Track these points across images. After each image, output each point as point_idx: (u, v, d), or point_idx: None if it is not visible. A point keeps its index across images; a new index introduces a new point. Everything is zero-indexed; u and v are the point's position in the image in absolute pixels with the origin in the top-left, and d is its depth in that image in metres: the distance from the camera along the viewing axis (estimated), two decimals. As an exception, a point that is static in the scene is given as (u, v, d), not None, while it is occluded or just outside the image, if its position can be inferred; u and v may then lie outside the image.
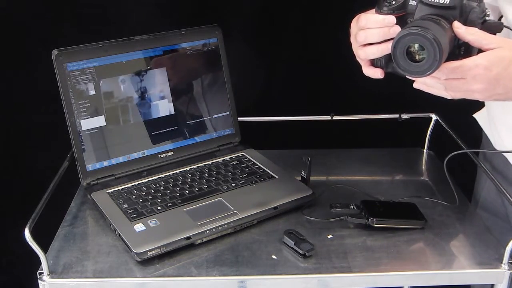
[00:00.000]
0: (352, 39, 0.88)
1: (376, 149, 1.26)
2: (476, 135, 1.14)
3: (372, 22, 0.83)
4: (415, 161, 1.24)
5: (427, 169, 1.21)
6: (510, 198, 0.93)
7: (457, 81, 0.79)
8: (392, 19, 0.82)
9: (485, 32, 0.79)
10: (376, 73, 0.86)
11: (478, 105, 1.12)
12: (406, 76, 0.80)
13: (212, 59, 1.17)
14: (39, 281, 0.84)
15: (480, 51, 0.79)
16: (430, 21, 0.78)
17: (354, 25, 0.87)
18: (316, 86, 1.45)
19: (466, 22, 0.80)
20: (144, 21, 1.35)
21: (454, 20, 0.79)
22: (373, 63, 0.87)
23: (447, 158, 1.02)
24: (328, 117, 1.25)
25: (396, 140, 1.28)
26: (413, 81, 0.83)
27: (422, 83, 0.83)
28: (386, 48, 0.82)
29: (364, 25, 0.83)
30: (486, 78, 0.77)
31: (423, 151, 1.26)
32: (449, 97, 0.82)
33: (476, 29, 0.79)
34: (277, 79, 1.46)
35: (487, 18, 0.81)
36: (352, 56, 0.88)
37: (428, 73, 0.76)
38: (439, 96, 0.89)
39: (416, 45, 0.77)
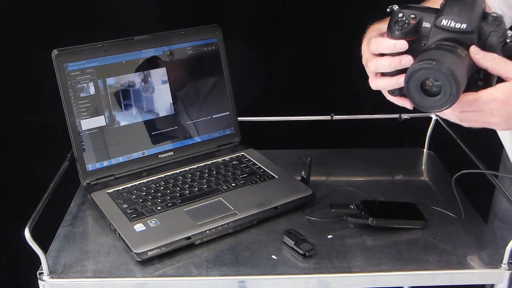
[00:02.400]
0: (364, 62, 0.84)
1: (376, 149, 1.26)
2: (476, 135, 1.13)
3: (383, 47, 0.79)
4: (415, 161, 1.24)
5: (427, 169, 1.21)
6: None
7: (473, 114, 0.76)
8: (403, 44, 0.77)
9: (505, 59, 0.74)
10: (405, 105, 0.83)
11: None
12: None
13: (212, 59, 1.17)
14: (39, 281, 0.84)
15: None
16: (445, 51, 0.73)
17: (365, 48, 0.83)
18: (316, 86, 1.45)
19: (485, 46, 0.75)
20: (144, 21, 1.35)
21: (472, 45, 0.74)
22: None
23: (456, 175, 0.99)
24: (328, 117, 1.25)
25: (396, 140, 1.28)
26: None
27: None
28: (396, 83, 0.79)
29: (375, 50, 0.80)
30: (504, 113, 0.74)
31: (423, 151, 1.26)
32: (465, 125, 0.80)
33: (495, 55, 0.74)
34: (277, 79, 1.46)
35: (508, 40, 0.75)
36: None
37: (445, 108, 0.73)
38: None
39: (427, 86, 0.73)
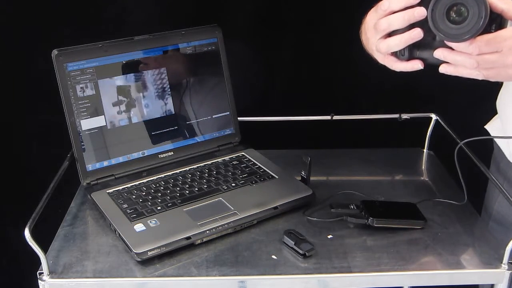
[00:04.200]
0: (370, 34, 0.83)
1: (376, 149, 1.26)
2: (476, 135, 1.13)
3: (396, 2, 0.77)
4: (415, 161, 1.23)
5: (427, 169, 1.21)
6: None
7: (491, 55, 0.74)
8: None
9: None
10: (416, 65, 0.80)
11: (479, 104, 1.12)
12: (439, 46, 0.75)
13: (212, 59, 1.17)
14: (39, 281, 0.84)
15: None
16: None
17: (373, 16, 0.82)
18: (316, 86, 1.45)
19: None
20: (144, 21, 1.35)
21: None
22: (396, 55, 0.81)
23: (456, 149, 0.98)
24: (328, 117, 1.25)
25: (396, 140, 1.28)
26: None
27: (451, 62, 0.77)
28: (410, 37, 0.77)
29: (386, 8, 0.78)
30: None
31: (423, 151, 1.26)
32: (481, 77, 0.77)
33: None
34: (277, 79, 1.46)
35: None
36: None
37: (473, 34, 0.71)
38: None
39: (454, 13, 0.72)
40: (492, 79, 0.77)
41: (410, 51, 0.80)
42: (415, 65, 0.80)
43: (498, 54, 0.74)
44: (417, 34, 0.77)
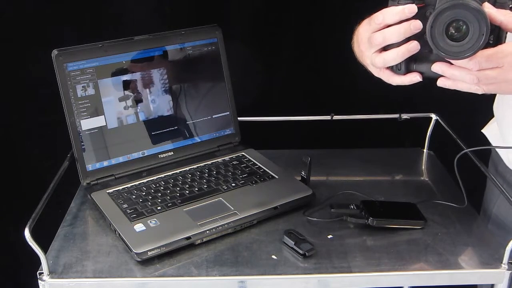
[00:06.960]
0: (363, 47, 0.80)
1: (376, 149, 1.26)
2: (475, 135, 1.14)
3: (390, 15, 0.74)
4: (415, 161, 1.24)
5: (427, 169, 1.21)
6: None
7: (492, 71, 0.72)
8: (413, 8, 0.73)
9: None
10: (414, 79, 0.78)
11: (479, 104, 1.12)
12: (436, 59, 0.73)
13: (212, 59, 1.17)
14: (39, 281, 0.84)
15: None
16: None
17: (366, 29, 0.79)
18: (316, 86, 1.45)
19: (495, 5, 0.73)
20: (144, 21, 1.35)
21: (484, 2, 0.71)
22: (392, 69, 0.79)
23: (457, 156, 0.97)
24: (328, 117, 1.25)
25: (396, 140, 1.28)
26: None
27: (449, 78, 0.75)
28: (406, 50, 0.75)
29: (380, 21, 0.75)
30: None
31: (423, 151, 1.26)
32: (480, 92, 0.74)
33: (508, 11, 0.71)
34: (277, 79, 1.46)
35: None
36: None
37: (473, 52, 0.69)
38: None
39: (453, 30, 0.70)
40: (492, 92, 0.76)
41: (407, 65, 0.78)
42: (413, 78, 0.78)
43: (499, 70, 0.72)
44: (414, 46, 0.75)
